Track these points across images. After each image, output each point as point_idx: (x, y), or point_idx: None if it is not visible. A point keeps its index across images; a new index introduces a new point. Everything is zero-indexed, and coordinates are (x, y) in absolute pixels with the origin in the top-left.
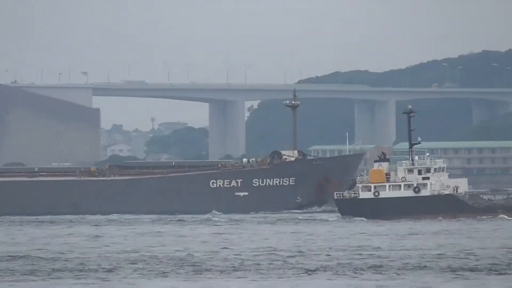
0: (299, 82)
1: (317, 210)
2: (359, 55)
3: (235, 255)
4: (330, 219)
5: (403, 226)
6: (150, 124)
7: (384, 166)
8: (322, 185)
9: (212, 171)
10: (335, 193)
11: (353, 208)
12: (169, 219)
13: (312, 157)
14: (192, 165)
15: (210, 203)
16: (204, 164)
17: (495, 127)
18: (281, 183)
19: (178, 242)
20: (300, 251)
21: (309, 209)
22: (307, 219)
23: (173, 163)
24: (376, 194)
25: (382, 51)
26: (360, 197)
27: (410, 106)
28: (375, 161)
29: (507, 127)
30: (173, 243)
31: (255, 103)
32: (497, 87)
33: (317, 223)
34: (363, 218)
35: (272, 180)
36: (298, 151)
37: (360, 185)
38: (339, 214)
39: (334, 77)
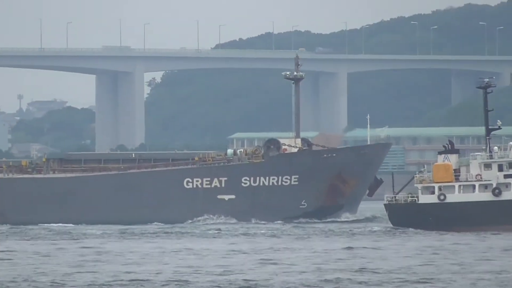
0: (216, 47)
1: (337, 220)
2: (298, 12)
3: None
4: (374, 228)
5: (498, 240)
6: (16, 104)
7: (452, 159)
8: (335, 185)
9: (186, 167)
10: (385, 196)
11: (409, 217)
12: (137, 229)
13: (320, 148)
14: (160, 157)
15: (184, 209)
16: (175, 156)
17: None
18: (279, 183)
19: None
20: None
21: (319, 218)
22: (340, 231)
23: (133, 155)
24: (442, 197)
25: (328, 6)
26: (419, 201)
27: (487, 79)
28: (439, 153)
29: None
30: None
31: (157, 75)
32: (485, 54)
33: (365, 236)
34: (423, 230)
35: (267, 178)
36: (302, 140)
37: (419, 186)
38: (390, 224)
39: (265, 41)
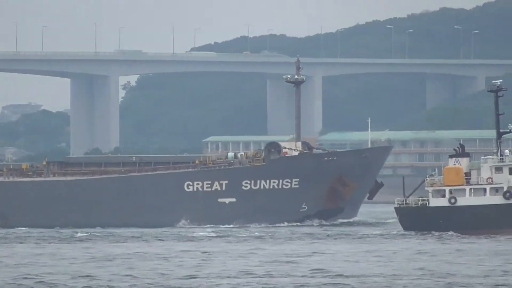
0: (192, 50)
1: (334, 223)
2: (273, 16)
3: None
4: (381, 234)
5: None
6: None
7: (463, 162)
8: (335, 189)
9: (187, 170)
10: (396, 200)
11: (420, 220)
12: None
13: (321, 151)
14: (160, 160)
15: (184, 213)
16: (176, 160)
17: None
18: (280, 186)
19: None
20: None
21: (318, 220)
22: (343, 234)
23: (134, 159)
24: (453, 201)
25: (304, 10)
26: (430, 205)
27: (499, 81)
28: (450, 156)
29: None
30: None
31: (132, 79)
32: (460, 57)
33: (377, 241)
34: (433, 233)
35: (268, 182)
36: (303, 143)
37: (430, 189)
38: (400, 228)
39: (240, 44)
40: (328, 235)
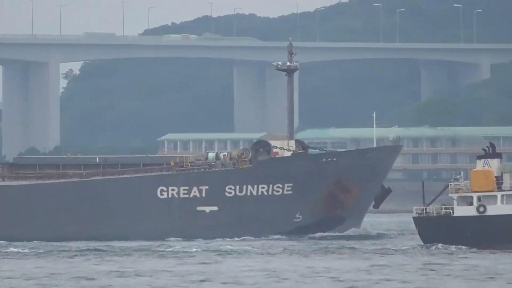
0: (145, 33)
1: (333, 234)
2: None
3: None
4: (402, 247)
5: None
6: None
7: (494, 164)
8: (335, 195)
9: (160, 173)
10: (414, 208)
11: (443, 232)
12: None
13: (319, 151)
14: (129, 162)
15: (157, 223)
16: (147, 161)
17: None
18: (270, 192)
19: None
20: None
21: (315, 233)
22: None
23: (97, 160)
24: (482, 209)
25: None
26: (455, 214)
27: None
28: (479, 157)
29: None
30: None
31: (75, 66)
32: (461, 41)
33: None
34: (459, 247)
35: (256, 187)
36: (297, 141)
37: (455, 196)
38: (420, 241)
39: (202, 25)
40: (327, 250)
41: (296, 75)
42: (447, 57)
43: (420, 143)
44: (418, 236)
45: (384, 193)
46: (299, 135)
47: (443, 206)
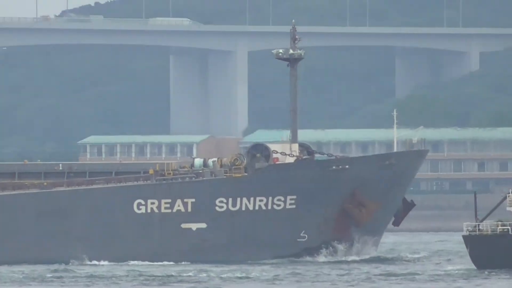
0: (62, 15)
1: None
2: None
3: None
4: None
5: None
6: None
7: None
8: (347, 210)
9: (137, 183)
10: (464, 225)
11: (500, 254)
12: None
13: (328, 157)
14: (98, 170)
15: (133, 244)
16: (121, 168)
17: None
18: (269, 206)
19: None
20: None
21: (320, 254)
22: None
23: (60, 167)
24: None
25: None
26: None
27: None
28: None
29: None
30: None
31: None
32: (444, 25)
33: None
34: None
35: (252, 200)
36: (300, 145)
37: None
38: (471, 265)
39: (132, 6)
40: (345, 279)
41: (244, 65)
42: (427, 44)
43: (441, 147)
44: (457, 259)
45: (406, 208)
46: (248, 138)
47: (500, 222)
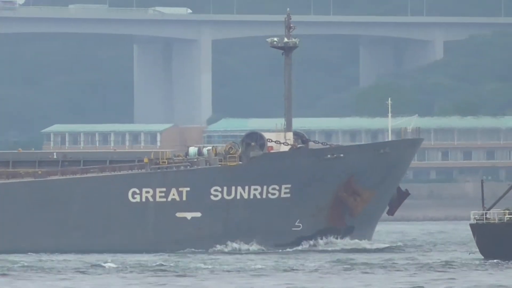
0: (27, 3)
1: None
2: None
3: None
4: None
5: None
6: None
7: None
8: (342, 199)
9: (132, 172)
10: (471, 213)
11: (508, 243)
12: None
13: (322, 145)
14: (93, 158)
15: (128, 233)
16: (115, 157)
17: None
18: (264, 195)
19: None
20: None
21: (315, 242)
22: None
23: (55, 156)
24: None
25: None
26: None
27: None
28: None
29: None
30: None
31: None
32: (408, 14)
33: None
34: None
35: (247, 189)
36: (295, 133)
37: None
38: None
39: None
40: (343, 267)
41: (208, 53)
42: (391, 33)
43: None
44: (459, 247)
45: (400, 197)
46: (213, 127)
47: (507, 211)
